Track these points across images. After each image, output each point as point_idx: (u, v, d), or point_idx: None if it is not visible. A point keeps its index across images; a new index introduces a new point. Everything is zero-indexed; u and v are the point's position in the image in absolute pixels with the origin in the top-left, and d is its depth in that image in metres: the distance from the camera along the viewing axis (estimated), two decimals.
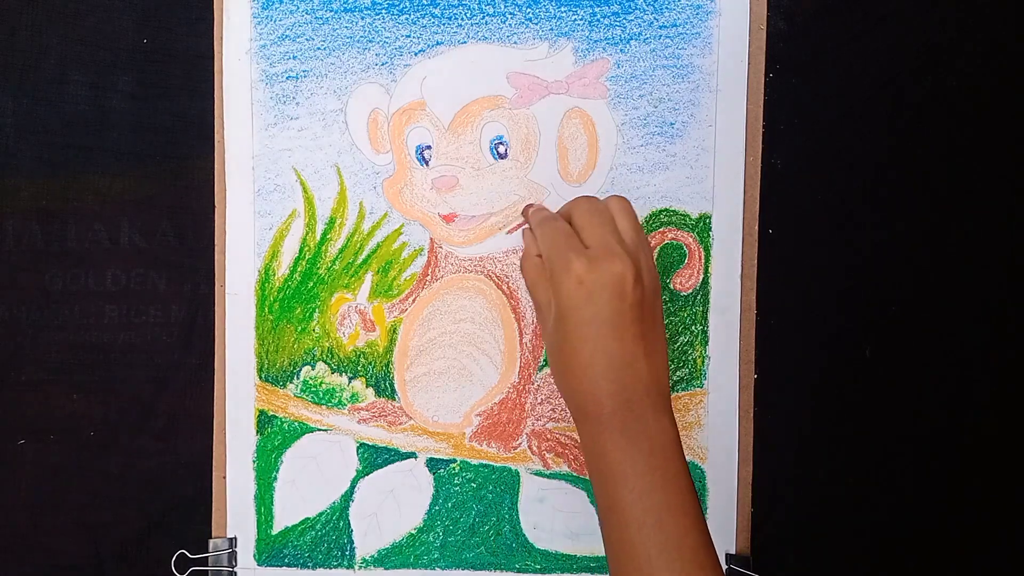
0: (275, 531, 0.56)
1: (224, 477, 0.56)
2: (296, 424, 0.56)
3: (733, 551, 0.55)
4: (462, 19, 0.55)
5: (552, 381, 0.55)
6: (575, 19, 0.55)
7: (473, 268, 0.56)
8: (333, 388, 0.56)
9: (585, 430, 0.46)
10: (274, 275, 0.56)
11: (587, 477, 0.56)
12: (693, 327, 0.55)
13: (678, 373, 0.55)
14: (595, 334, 0.44)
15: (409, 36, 0.55)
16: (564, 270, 0.45)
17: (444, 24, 0.55)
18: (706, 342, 0.55)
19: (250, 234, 0.56)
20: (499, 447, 0.56)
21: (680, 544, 0.43)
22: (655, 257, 0.55)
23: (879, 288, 0.55)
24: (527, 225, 0.53)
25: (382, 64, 0.55)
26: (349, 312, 0.56)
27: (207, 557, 0.56)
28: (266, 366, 0.56)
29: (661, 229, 0.55)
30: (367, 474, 0.56)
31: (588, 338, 0.44)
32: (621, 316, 0.44)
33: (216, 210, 0.56)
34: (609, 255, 0.45)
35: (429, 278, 0.56)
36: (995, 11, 0.55)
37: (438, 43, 0.55)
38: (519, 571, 0.56)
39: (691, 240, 0.55)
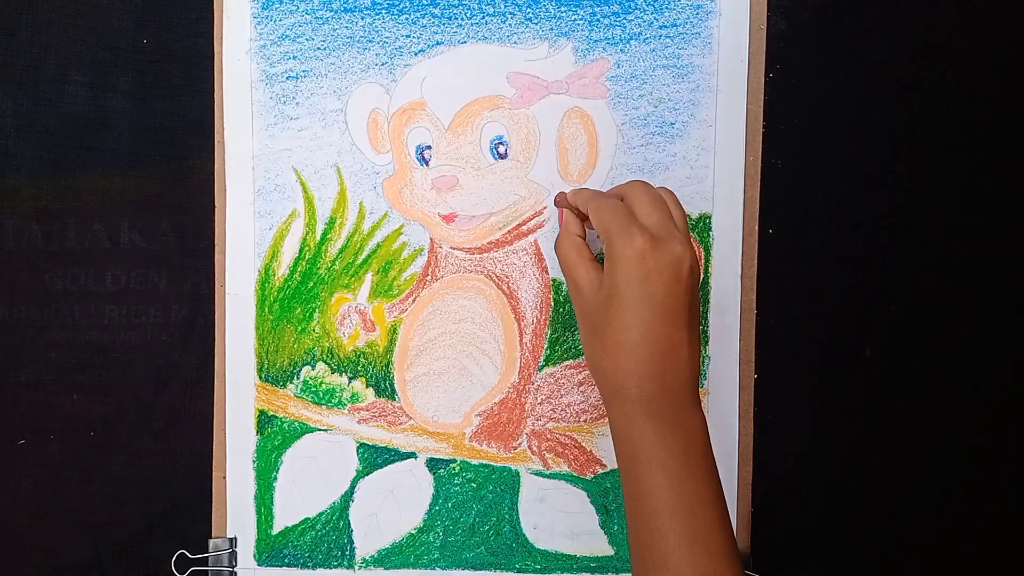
0: (275, 531, 0.56)
1: (224, 477, 0.56)
2: (296, 424, 0.56)
3: None
4: (462, 19, 0.55)
5: (553, 380, 0.55)
6: (575, 19, 0.55)
7: (473, 268, 0.56)
8: (333, 388, 0.56)
9: (620, 412, 0.45)
10: (274, 275, 0.56)
11: (587, 477, 0.56)
12: None
13: None
14: (649, 315, 0.44)
15: (409, 36, 0.55)
16: (627, 245, 0.44)
17: (444, 24, 0.55)
18: (706, 342, 0.55)
19: (250, 234, 0.56)
20: (499, 447, 0.56)
21: (708, 537, 0.42)
22: None
23: (879, 288, 0.55)
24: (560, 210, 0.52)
25: (382, 64, 0.55)
26: (349, 312, 0.56)
27: (207, 557, 0.56)
28: (266, 366, 0.56)
29: None
30: (367, 474, 0.56)
31: (642, 316, 0.44)
32: (676, 300, 0.44)
33: (216, 210, 0.56)
34: (671, 236, 0.45)
35: (429, 278, 0.56)
36: (995, 11, 0.55)
37: (438, 43, 0.55)
38: (519, 571, 0.56)
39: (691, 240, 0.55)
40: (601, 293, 0.45)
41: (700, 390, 0.55)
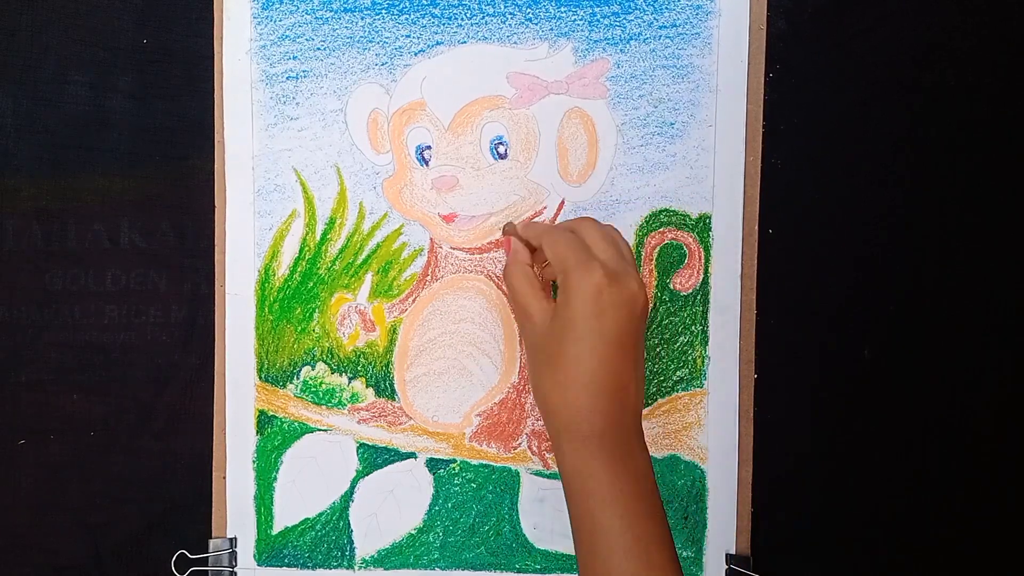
0: (275, 531, 0.56)
1: (224, 477, 0.56)
2: (296, 424, 0.56)
3: (733, 551, 0.55)
4: (462, 19, 0.55)
5: None
6: (575, 19, 0.55)
7: (473, 268, 0.56)
8: (333, 388, 0.56)
9: (570, 448, 0.44)
10: (274, 275, 0.56)
11: None
12: (693, 327, 0.55)
13: (678, 373, 0.55)
14: (602, 349, 0.43)
15: (409, 36, 0.55)
16: (584, 278, 0.44)
17: (444, 24, 0.55)
18: (706, 342, 0.55)
19: (250, 234, 0.56)
20: (499, 447, 0.56)
21: (663, 573, 0.42)
22: (654, 259, 0.55)
23: (879, 288, 0.55)
24: (509, 236, 0.52)
25: (382, 64, 0.55)
26: (349, 312, 0.56)
27: (207, 557, 0.56)
28: (266, 366, 0.56)
29: (661, 229, 0.55)
30: (367, 474, 0.56)
31: (595, 352, 0.43)
32: (628, 336, 0.44)
33: (216, 210, 0.56)
34: (626, 274, 0.45)
35: (429, 278, 0.56)
36: (995, 11, 0.55)
37: (438, 43, 0.55)
38: (519, 571, 0.56)
39: (691, 240, 0.55)
40: (555, 325, 0.45)
41: (700, 390, 0.55)
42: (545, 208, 0.55)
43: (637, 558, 0.42)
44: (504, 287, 0.53)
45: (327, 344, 0.56)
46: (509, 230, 0.52)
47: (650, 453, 0.46)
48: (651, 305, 0.47)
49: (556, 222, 0.55)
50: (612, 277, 0.44)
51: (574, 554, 0.56)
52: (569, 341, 0.44)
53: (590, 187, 0.55)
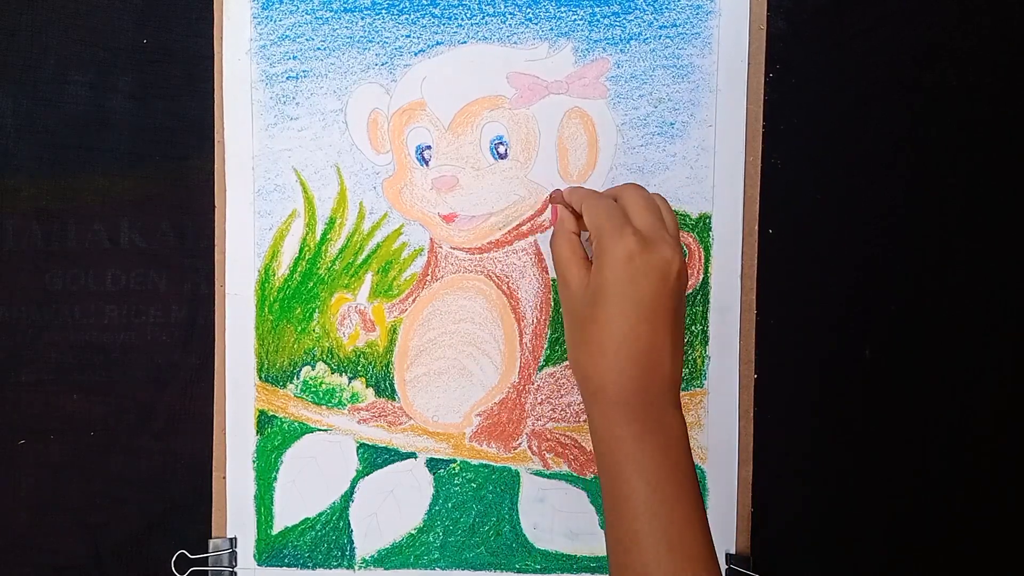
0: (275, 531, 0.56)
1: (224, 477, 0.56)
2: (296, 424, 0.56)
3: (733, 551, 0.55)
4: (462, 19, 0.55)
5: (552, 380, 0.55)
6: (575, 19, 0.55)
7: (473, 268, 0.56)
8: (333, 388, 0.56)
9: (600, 412, 0.44)
10: (274, 275, 0.56)
11: (587, 477, 0.56)
12: (693, 327, 0.55)
13: None
14: (634, 315, 0.43)
15: (409, 36, 0.55)
16: (616, 244, 0.44)
17: (444, 24, 0.55)
18: (706, 342, 0.55)
19: (250, 234, 0.56)
20: (499, 447, 0.56)
21: (686, 543, 0.42)
22: None
23: (879, 288, 0.55)
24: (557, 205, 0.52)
25: (382, 64, 0.55)
26: (349, 312, 0.56)
27: (207, 557, 0.56)
28: (266, 366, 0.56)
29: None
30: (367, 474, 0.56)
31: (626, 317, 0.43)
32: (661, 303, 0.44)
33: (216, 210, 0.56)
34: (661, 240, 0.45)
35: (429, 278, 0.56)
36: (995, 11, 0.55)
37: (438, 43, 0.55)
38: (519, 571, 0.56)
39: (691, 240, 0.55)
40: (588, 291, 0.45)
41: (700, 390, 0.55)
42: (547, 208, 0.55)
43: (661, 523, 0.42)
44: (550, 258, 0.52)
45: (327, 344, 0.56)
46: (556, 197, 0.52)
47: None
48: (687, 274, 0.46)
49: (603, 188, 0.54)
50: (645, 243, 0.44)
51: (574, 554, 0.56)
52: (600, 306, 0.44)
53: (590, 187, 0.55)
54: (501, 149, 0.55)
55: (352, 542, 0.56)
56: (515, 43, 0.55)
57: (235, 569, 0.56)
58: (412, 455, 0.56)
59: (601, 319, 0.44)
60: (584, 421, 0.56)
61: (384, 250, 0.56)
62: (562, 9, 0.55)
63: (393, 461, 0.56)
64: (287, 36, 0.55)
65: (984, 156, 0.55)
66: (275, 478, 0.56)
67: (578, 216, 0.50)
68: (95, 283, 0.57)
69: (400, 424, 0.56)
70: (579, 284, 0.46)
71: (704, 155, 0.55)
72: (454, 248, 0.56)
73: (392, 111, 0.55)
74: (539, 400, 0.56)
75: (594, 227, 0.46)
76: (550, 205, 0.54)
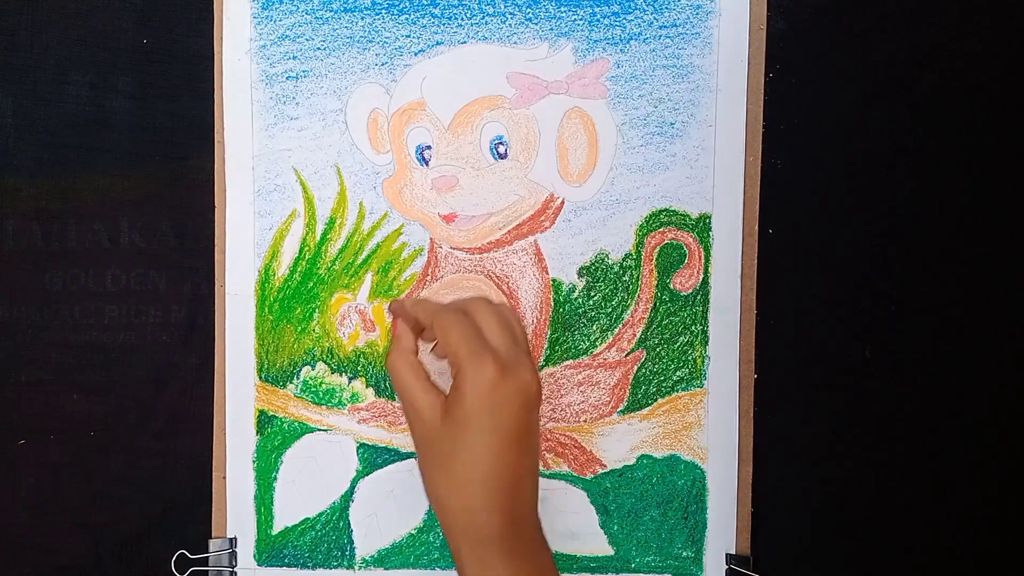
0: (275, 531, 0.56)
1: (224, 477, 0.56)
2: (296, 424, 0.56)
3: (733, 551, 0.55)
4: (462, 19, 0.55)
5: (552, 380, 0.55)
6: (575, 19, 0.55)
7: (473, 268, 0.56)
8: (333, 388, 0.56)
9: (471, 553, 0.42)
10: (274, 275, 0.56)
11: (587, 477, 0.56)
12: (693, 327, 0.55)
13: (678, 373, 0.55)
14: (498, 445, 0.42)
15: (409, 36, 0.55)
16: (478, 372, 0.42)
17: (444, 24, 0.55)
18: (706, 342, 0.55)
19: (250, 234, 0.56)
20: None
21: None
22: (654, 259, 0.55)
23: (879, 288, 0.55)
24: (393, 317, 0.48)
25: (382, 64, 0.55)
26: (349, 312, 0.56)
27: (207, 557, 0.56)
28: (266, 366, 0.56)
29: (661, 229, 0.55)
30: (367, 474, 0.56)
31: (491, 449, 0.42)
32: (524, 428, 0.42)
33: (216, 210, 0.56)
34: (519, 363, 0.43)
35: (429, 278, 0.56)
36: (995, 11, 0.55)
37: (438, 43, 0.55)
38: None
39: (691, 240, 0.55)
40: (448, 421, 0.43)
41: (700, 390, 0.55)
42: (548, 210, 0.55)
43: None
44: (391, 375, 0.47)
45: (327, 344, 0.56)
46: (396, 309, 0.48)
47: (651, 453, 0.46)
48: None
49: (453, 293, 0.53)
50: (505, 368, 0.42)
51: (574, 554, 0.56)
52: (463, 440, 0.42)
53: (590, 187, 0.55)
54: (501, 149, 0.55)
55: (352, 542, 0.56)
56: (515, 43, 0.55)
57: (235, 569, 0.56)
58: (412, 455, 0.56)
59: (465, 453, 0.42)
60: (584, 421, 0.56)
61: (384, 250, 0.56)
62: (562, 9, 0.55)
63: (393, 461, 0.56)
64: (287, 36, 0.55)
65: (984, 156, 0.55)
66: (275, 478, 0.56)
67: (418, 330, 0.47)
68: (95, 283, 0.57)
69: (400, 424, 0.56)
70: (431, 413, 0.44)
71: (704, 155, 0.55)
72: (454, 248, 0.56)
73: (392, 111, 0.55)
74: None
75: (450, 349, 0.43)
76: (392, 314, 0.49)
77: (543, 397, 0.55)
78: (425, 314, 0.46)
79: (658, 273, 0.55)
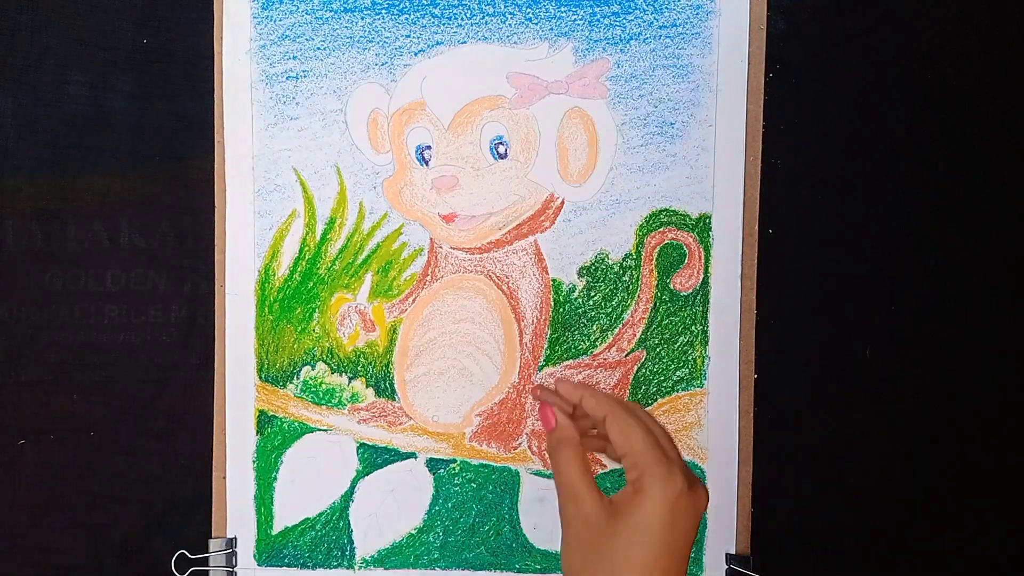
0: (275, 531, 0.56)
1: (224, 477, 0.56)
2: (296, 424, 0.56)
3: (733, 551, 0.55)
4: (462, 19, 0.55)
5: (552, 381, 0.55)
6: (575, 19, 0.55)
7: (473, 268, 0.56)
8: (333, 388, 0.56)
9: None
10: (274, 275, 0.56)
11: None
12: (693, 327, 0.55)
13: (678, 373, 0.55)
14: (667, 561, 0.41)
15: (409, 36, 0.55)
16: (668, 484, 0.41)
17: (444, 24, 0.55)
18: (706, 342, 0.55)
19: (250, 234, 0.56)
20: (499, 447, 0.56)
21: None
22: (654, 259, 0.55)
23: (879, 288, 0.55)
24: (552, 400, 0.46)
25: (382, 64, 0.55)
26: (349, 312, 0.56)
27: (207, 557, 0.56)
28: (266, 366, 0.56)
29: (661, 229, 0.55)
30: (367, 474, 0.56)
31: (659, 562, 0.41)
32: (688, 548, 0.42)
33: (216, 210, 0.56)
34: (697, 482, 0.43)
35: (429, 278, 0.56)
36: (995, 11, 0.55)
37: (438, 43, 0.55)
38: (519, 571, 0.56)
39: (691, 240, 0.55)
40: (618, 524, 0.42)
41: (700, 390, 0.55)
42: (548, 209, 0.55)
43: None
44: (547, 457, 0.47)
45: (327, 344, 0.56)
46: (540, 394, 0.47)
47: None
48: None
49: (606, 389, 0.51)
50: (690, 485, 0.42)
51: None
52: (635, 546, 0.41)
53: (590, 187, 0.55)
54: (501, 149, 0.55)
55: (352, 542, 0.56)
56: (515, 43, 0.55)
57: (235, 569, 0.56)
58: (412, 455, 0.56)
59: (633, 560, 0.41)
60: None
61: (384, 250, 0.56)
62: (562, 9, 0.55)
63: (393, 461, 0.56)
64: (287, 36, 0.55)
65: (983, 156, 0.55)
66: (275, 478, 0.56)
67: (576, 416, 0.46)
68: (95, 283, 0.57)
69: (400, 424, 0.56)
70: (596, 512, 0.43)
71: (704, 155, 0.55)
72: (454, 248, 0.56)
73: (392, 111, 0.55)
74: None
75: (633, 455, 0.43)
76: (537, 403, 0.48)
77: None
78: (596, 406, 0.45)
79: (658, 273, 0.55)
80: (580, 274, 0.55)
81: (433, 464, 0.56)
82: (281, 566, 0.56)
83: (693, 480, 0.42)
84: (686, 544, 0.42)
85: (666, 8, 0.55)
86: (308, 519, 0.56)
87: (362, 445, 0.56)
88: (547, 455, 0.47)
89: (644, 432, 0.43)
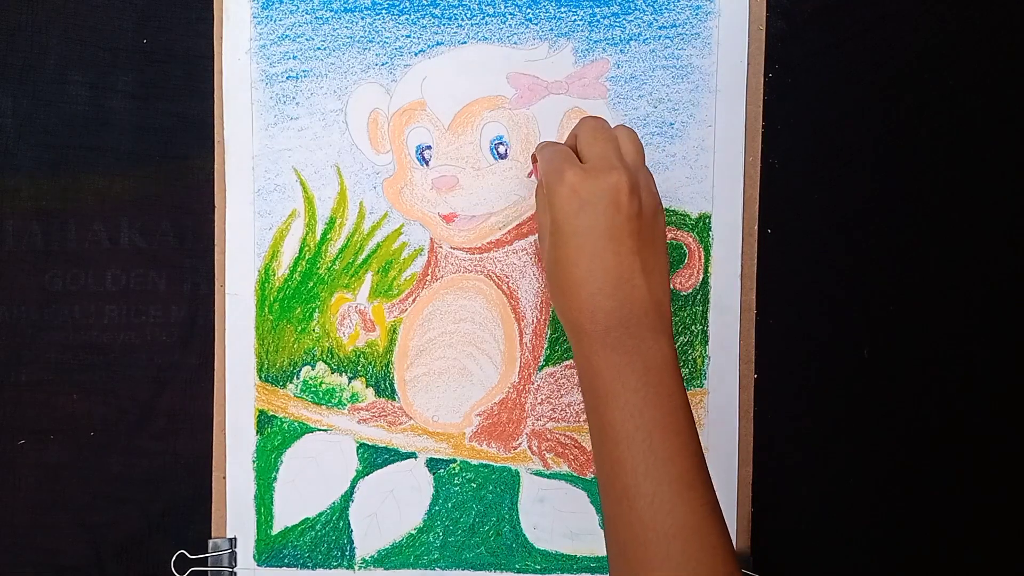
0: (275, 531, 0.56)
1: (224, 477, 0.56)
2: (296, 424, 0.56)
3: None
4: (462, 19, 0.55)
5: (553, 380, 0.56)
6: (575, 19, 0.55)
7: (473, 268, 0.56)
8: (333, 388, 0.56)
9: (579, 348, 0.45)
10: (274, 275, 0.56)
11: (588, 477, 0.56)
12: (693, 327, 0.55)
13: None
14: (591, 246, 0.43)
15: (409, 36, 0.55)
16: (558, 182, 0.44)
17: (444, 24, 0.55)
18: (706, 342, 0.55)
19: (250, 234, 0.56)
20: (499, 447, 0.56)
21: (670, 462, 0.42)
22: None
23: (879, 288, 0.56)
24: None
25: (382, 64, 0.55)
26: (349, 312, 0.56)
27: (207, 557, 0.56)
28: (266, 366, 0.56)
29: None
30: (367, 474, 0.56)
31: (584, 250, 0.43)
32: (617, 228, 0.43)
33: (216, 210, 0.56)
34: (606, 167, 0.44)
35: (429, 278, 0.56)
36: (995, 11, 0.55)
37: (438, 43, 0.55)
38: (519, 571, 0.56)
39: (691, 240, 0.55)
40: (548, 235, 0.46)
41: (700, 390, 0.55)
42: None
43: (640, 447, 0.42)
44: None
45: (327, 344, 0.56)
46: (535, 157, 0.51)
47: None
48: (653, 196, 0.46)
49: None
50: (586, 173, 0.44)
51: (574, 554, 0.56)
52: (558, 246, 0.44)
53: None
54: (501, 149, 0.55)
55: (352, 542, 0.56)
56: (515, 43, 0.55)
57: (235, 569, 0.56)
58: (412, 455, 0.56)
59: (562, 258, 0.44)
60: (584, 421, 0.56)
61: (384, 250, 0.56)
62: (562, 9, 0.55)
63: (393, 461, 0.56)
64: (287, 36, 0.55)
65: (983, 156, 0.55)
66: (275, 478, 0.56)
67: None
68: (95, 283, 0.57)
69: (400, 424, 0.56)
70: (544, 228, 0.46)
71: (704, 155, 0.55)
72: (454, 248, 0.56)
73: (392, 111, 0.55)
74: (539, 400, 0.56)
75: (543, 173, 0.46)
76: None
77: (547, 395, 0.55)
78: (538, 151, 0.49)
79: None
80: None
81: (433, 464, 0.56)
82: (281, 566, 0.56)
83: (598, 169, 0.44)
84: (610, 227, 0.44)
85: (666, 8, 0.55)
86: (308, 519, 0.56)
87: (362, 445, 0.56)
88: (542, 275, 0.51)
89: (552, 150, 0.47)
